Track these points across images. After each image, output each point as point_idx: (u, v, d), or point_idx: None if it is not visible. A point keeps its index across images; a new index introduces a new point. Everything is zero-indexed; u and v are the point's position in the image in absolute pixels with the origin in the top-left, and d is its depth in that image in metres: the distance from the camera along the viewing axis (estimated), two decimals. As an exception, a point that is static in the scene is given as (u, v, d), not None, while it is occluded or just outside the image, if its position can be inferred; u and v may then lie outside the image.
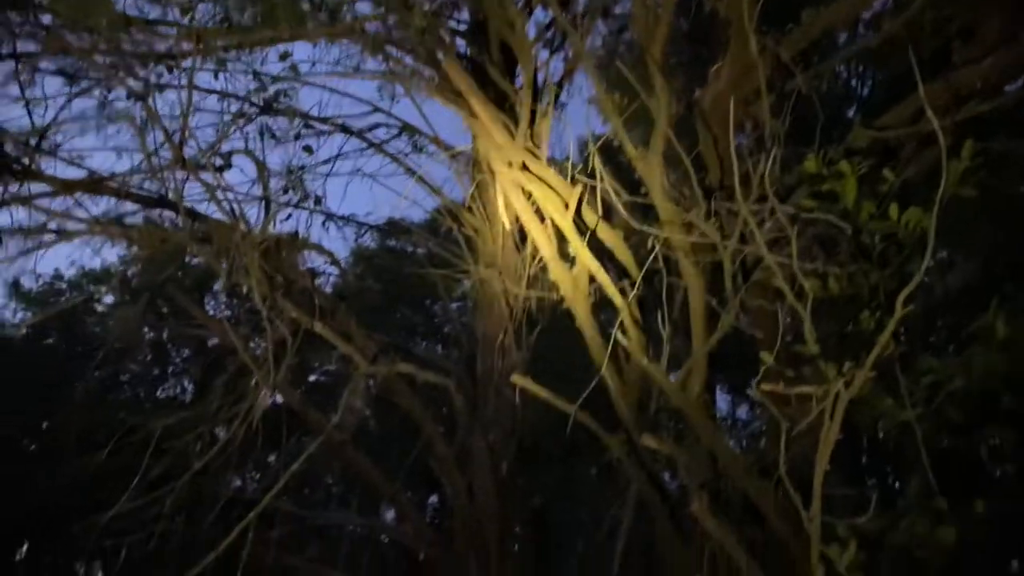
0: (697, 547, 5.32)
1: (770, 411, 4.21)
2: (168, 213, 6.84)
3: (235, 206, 5.97)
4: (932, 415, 3.94)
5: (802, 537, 4.42)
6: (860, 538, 4.05)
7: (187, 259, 11.71)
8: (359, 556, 7.36)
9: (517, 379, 5.42)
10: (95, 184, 5.88)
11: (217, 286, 11.64)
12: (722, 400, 8.77)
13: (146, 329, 11.77)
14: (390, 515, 9.74)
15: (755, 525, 4.83)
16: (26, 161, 5.64)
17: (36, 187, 5.75)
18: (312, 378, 12.26)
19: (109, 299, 12.55)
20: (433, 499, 11.40)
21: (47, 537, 10.94)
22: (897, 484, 7.87)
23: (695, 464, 5.00)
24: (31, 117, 5.67)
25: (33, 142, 5.66)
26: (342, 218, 8.88)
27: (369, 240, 10.97)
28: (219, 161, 6.06)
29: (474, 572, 6.71)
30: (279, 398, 10.81)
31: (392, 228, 10.11)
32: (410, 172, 7.64)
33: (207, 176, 5.98)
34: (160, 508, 5.73)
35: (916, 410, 3.76)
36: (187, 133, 5.65)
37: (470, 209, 7.43)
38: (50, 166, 5.86)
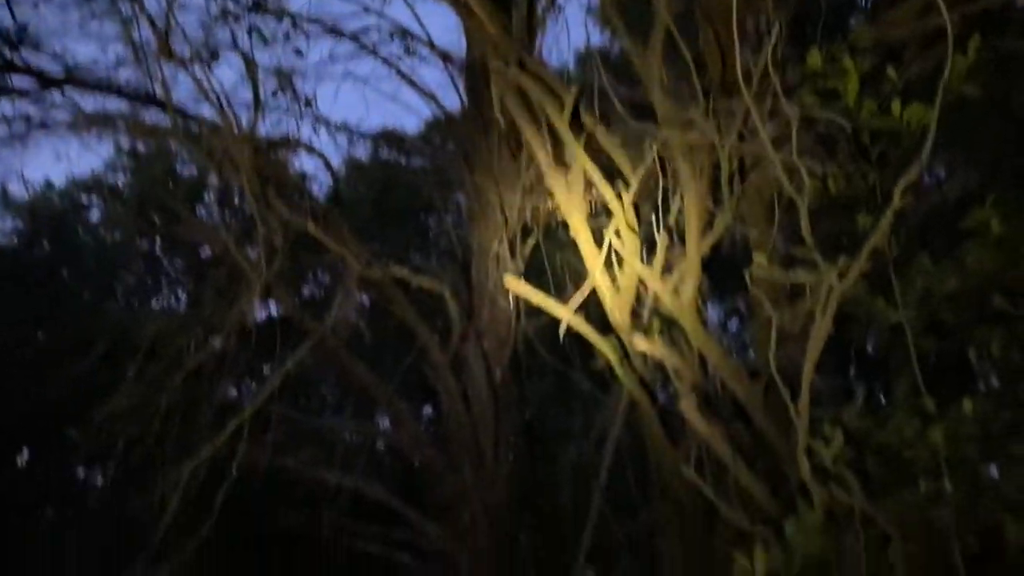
0: (685, 448, 5.43)
1: (760, 315, 4.23)
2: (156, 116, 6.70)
3: (224, 102, 5.83)
4: (924, 317, 3.95)
5: (789, 437, 4.50)
6: (846, 437, 4.12)
7: (177, 168, 11.59)
8: (353, 461, 7.50)
9: (510, 281, 5.41)
10: (79, 78, 5.72)
11: (208, 197, 11.53)
12: (713, 313, 8.80)
13: (138, 239, 11.70)
14: (385, 424, 9.88)
15: (743, 425, 4.91)
16: (8, 54, 5.48)
17: (19, 82, 5.59)
18: (306, 292, 12.27)
19: (100, 209, 12.48)
20: (428, 410, 11.53)
21: (47, 444, 11.11)
22: (883, 397, 7.97)
23: (685, 367, 5.04)
24: (11, 10, 5.47)
25: (14, 34, 5.49)
26: (337, 127, 8.73)
27: (361, 150, 10.84)
28: (206, 55, 5.89)
29: (468, 478, 6.86)
30: (273, 309, 10.82)
31: (385, 137, 9.95)
32: (403, 77, 7.46)
33: (195, 70, 5.82)
34: (156, 408, 5.77)
35: (908, 311, 3.76)
36: (172, 23, 5.47)
37: (464, 116, 7.30)
38: (33, 61, 5.68)
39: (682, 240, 5.12)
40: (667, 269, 5.17)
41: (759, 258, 3.77)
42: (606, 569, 5.34)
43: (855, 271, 3.16)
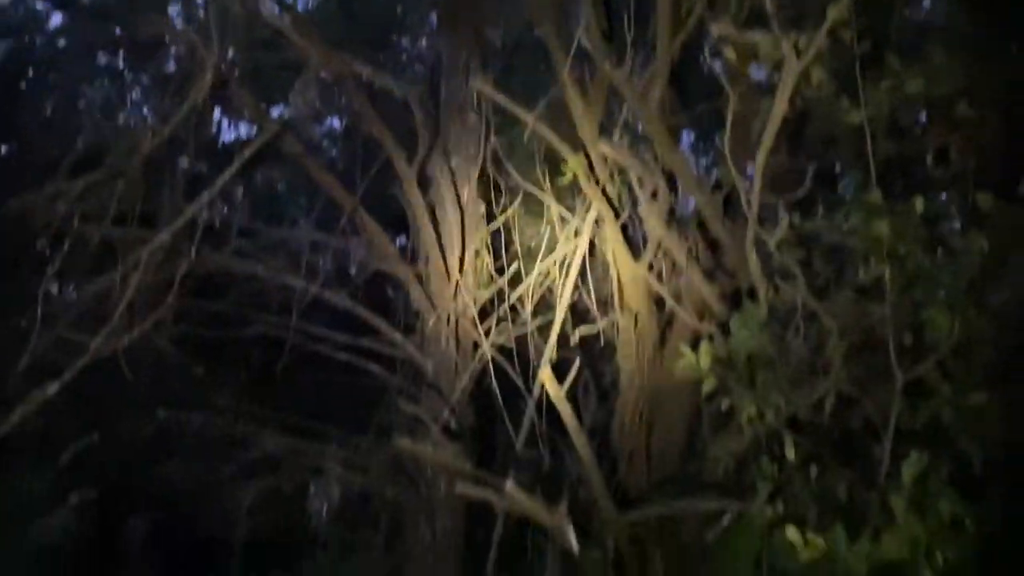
0: (646, 262, 5.55)
1: (725, 118, 4.18)
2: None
3: None
4: (885, 119, 3.94)
5: (743, 248, 4.60)
6: (797, 240, 4.21)
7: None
8: (323, 272, 7.61)
9: (479, 86, 5.30)
10: None
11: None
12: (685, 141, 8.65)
13: (100, 53, 11.23)
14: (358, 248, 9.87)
15: (699, 231, 5.00)
16: None
17: None
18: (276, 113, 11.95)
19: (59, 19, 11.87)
20: (402, 240, 11.54)
21: (15, 259, 11.08)
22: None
23: (647, 175, 5.07)
24: None
25: None
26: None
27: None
28: None
29: (434, 291, 6.98)
30: (243, 130, 10.53)
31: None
32: None
33: None
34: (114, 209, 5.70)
35: (870, 110, 3.75)
36: None
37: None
38: None
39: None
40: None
41: (723, 27, 3.67)
42: (563, 375, 5.53)
43: (813, 45, 3.11)
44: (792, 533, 3.46)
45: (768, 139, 3.44)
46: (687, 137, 8.30)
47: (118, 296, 5.14)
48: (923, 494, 3.39)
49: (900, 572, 3.53)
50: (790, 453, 3.96)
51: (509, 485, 4.64)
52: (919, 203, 3.59)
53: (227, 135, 10.75)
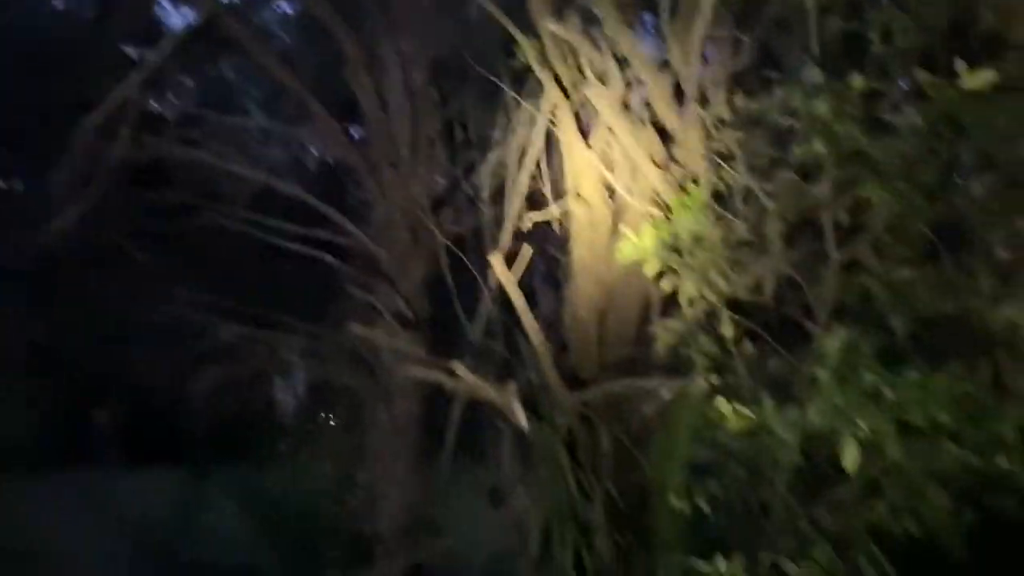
0: (601, 153, 5.51)
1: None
2: None
3: None
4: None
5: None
6: (741, 120, 4.21)
7: None
8: (275, 162, 7.50)
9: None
10: None
11: None
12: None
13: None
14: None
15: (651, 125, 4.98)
16: None
17: None
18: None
19: None
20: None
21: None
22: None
23: (599, 59, 4.98)
24: None
25: None
26: None
27: None
28: None
29: (387, 179, 6.92)
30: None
31: None
32: None
33: None
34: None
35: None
36: None
37: None
38: None
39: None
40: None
41: None
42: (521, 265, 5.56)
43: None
44: (722, 404, 3.60)
45: (706, 7, 3.37)
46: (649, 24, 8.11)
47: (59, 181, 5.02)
48: (847, 366, 3.51)
49: (829, 441, 3.70)
50: (727, 330, 4.07)
51: (458, 366, 4.74)
52: (858, 81, 3.59)
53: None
